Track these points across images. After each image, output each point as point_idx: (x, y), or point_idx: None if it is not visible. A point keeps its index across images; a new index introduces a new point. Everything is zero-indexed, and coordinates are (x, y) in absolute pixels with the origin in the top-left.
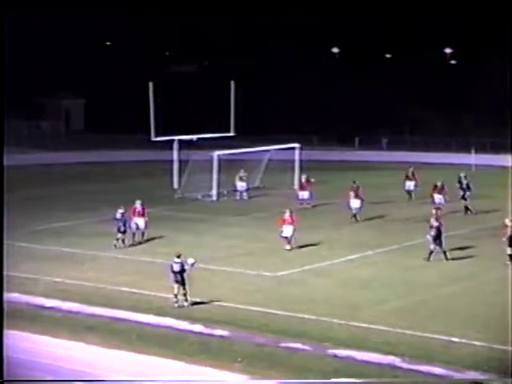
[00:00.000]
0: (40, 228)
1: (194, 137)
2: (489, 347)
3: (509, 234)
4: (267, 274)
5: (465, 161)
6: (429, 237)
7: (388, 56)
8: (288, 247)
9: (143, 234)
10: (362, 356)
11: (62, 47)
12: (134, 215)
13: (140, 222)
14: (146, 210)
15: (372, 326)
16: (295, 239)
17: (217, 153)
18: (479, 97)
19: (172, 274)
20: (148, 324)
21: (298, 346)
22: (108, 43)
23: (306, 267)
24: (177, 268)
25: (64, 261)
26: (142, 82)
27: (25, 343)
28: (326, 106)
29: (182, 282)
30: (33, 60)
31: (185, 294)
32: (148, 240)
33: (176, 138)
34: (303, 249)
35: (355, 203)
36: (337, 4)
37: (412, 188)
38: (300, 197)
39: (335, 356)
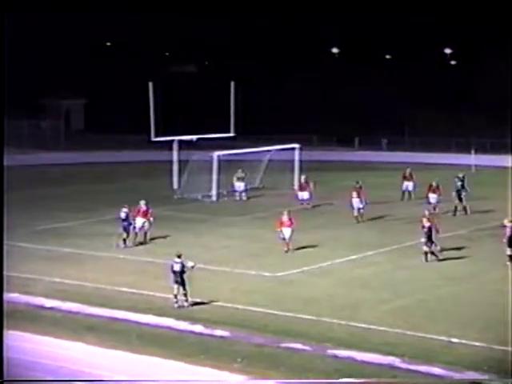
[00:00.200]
0: (40, 228)
1: (194, 137)
2: (489, 348)
3: (508, 234)
4: (267, 274)
5: (465, 161)
6: (423, 239)
7: (388, 56)
8: (286, 249)
9: (146, 234)
10: (362, 356)
11: (63, 47)
12: (138, 215)
13: (144, 222)
14: (150, 210)
15: (372, 327)
16: (295, 240)
17: (217, 153)
18: (479, 97)
19: (172, 274)
20: (148, 324)
21: (298, 346)
22: (108, 43)
23: (305, 267)
24: (177, 268)
25: (64, 261)
26: (142, 82)
27: (25, 343)
28: (325, 107)
29: (182, 283)
30: (33, 60)
31: (185, 295)
32: (148, 240)
33: (176, 138)
34: (303, 249)
35: (358, 203)
36: (337, 4)
37: (410, 188)
38: (299, 197)
39: (335, 356)
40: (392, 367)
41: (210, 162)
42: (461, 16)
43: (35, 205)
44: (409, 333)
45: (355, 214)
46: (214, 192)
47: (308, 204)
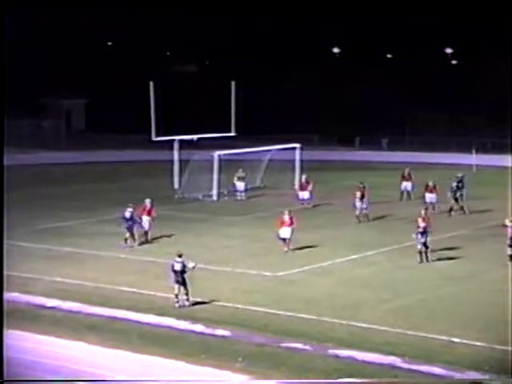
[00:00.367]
0: (41, 228)
1: (195, 137)
2: (489, 347)
3: (509, 234)
4: (268, 273)
5: (466, 161)
6: (414, 235)
7: (389, 56)
8: (285, 249)
9: (147, 232)
10: (363, 356)
11: (63, 47)
12: (144, 213)
13: (149, 220)
14: (154, 209)
15: (373, 326)
16: (295, 239)
17: (217, 153)
18: (480, 97)
19: (173, 274)
20: (148, 324)
21: (299, 346)
22: (109, 43)
23: (306, 267)
24: (178, 267)
25: (65, 260)
26: (143, 81)
27: (25, 343)
28: (326, 106)
29: (183, 282)
30: (34, 60)
31: (186, 294)
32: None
33: (177, 137)
34: (304, 249)
35: (361, 203)
36: (337, 4)
37: (409, 188)
38: (300, 197)
39: (336, 356)
40: (393, 367)
41: (211, 161)
42: (461, 16)
43: (36, 204)
44: (409, 332)
45: (357, 213)
46: (214, 192)
47: (308, 204)
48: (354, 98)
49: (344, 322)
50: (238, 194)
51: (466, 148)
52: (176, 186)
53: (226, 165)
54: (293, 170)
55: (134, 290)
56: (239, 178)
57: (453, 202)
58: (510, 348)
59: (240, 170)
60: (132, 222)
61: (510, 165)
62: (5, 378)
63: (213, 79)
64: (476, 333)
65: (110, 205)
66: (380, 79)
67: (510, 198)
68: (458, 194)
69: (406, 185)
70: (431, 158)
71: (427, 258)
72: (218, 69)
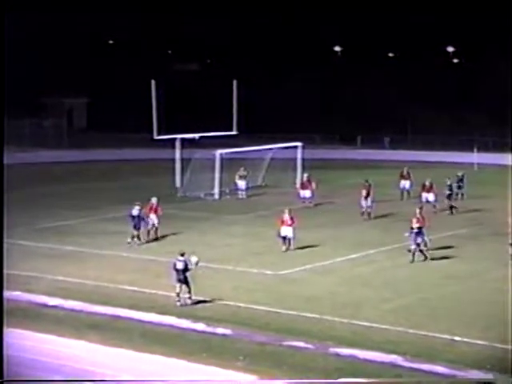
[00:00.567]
0: (42, 226)
1: (197, 135)
2: (491, 346)
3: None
4: (269, 272)
5: (467, 159)
6: (407, 234)
7: (390, 55)
8: (284, 248)
9: (156, 230)
10: (365, 355)
11: (65, 46)
12: (151, 212)
13: (155, 218)
14: (160, 207)
15: (374, 325)
16: (296, 238)
17: (219, 151)
18: (482, 95)
19: (175, 272)
20: (150, 322)
21: (301, 344)
22: (110, 42)
23: (308, 266)
24: (180, 266)
25: (66, 259)
26: (144, 80)
27: (27, 341)
28: (328, 105)
29: (185, 281)
30: (35, 59)
31: (189, 292)
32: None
33: (178, 136)
34: (305, 247)
35: (366, 202)
36: (338, 3)
37: (407, 187)
38: (302, 195)
39: (337, 355)
40: (394, 365)
41: (213, 160)
42: (463, 15)
43: (37, 203)
44: (411, 331)
45: (362, 210)
46: (216, 190)
47: (310, 202)
48: (355, 97)
49: (345, 320)
50: (240, 192)
51: (467, 146)
52: (178, 184)
53: (228, 163)
54: (294, 168)
55: (136, 288)
56: (241, 177)
57: (447, 201)
58: (510, 347)
59: (242, 169)
60: (139, 219)
61: (510, 163)
62: (5, 378)
63: (214, 78)
64: (477, 331)
65: (111, 203)
66: (381, 78)
67: (511, 197)
68: (453, 193)
69: (405, 183)
70: (433, 157)
71: (426, 257)
72: (220, 67)
